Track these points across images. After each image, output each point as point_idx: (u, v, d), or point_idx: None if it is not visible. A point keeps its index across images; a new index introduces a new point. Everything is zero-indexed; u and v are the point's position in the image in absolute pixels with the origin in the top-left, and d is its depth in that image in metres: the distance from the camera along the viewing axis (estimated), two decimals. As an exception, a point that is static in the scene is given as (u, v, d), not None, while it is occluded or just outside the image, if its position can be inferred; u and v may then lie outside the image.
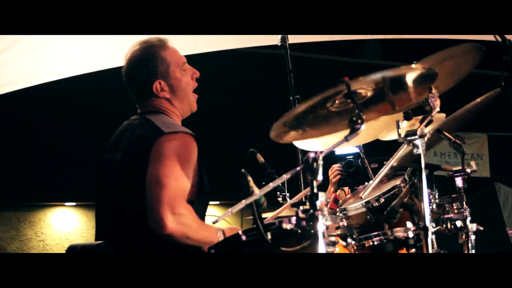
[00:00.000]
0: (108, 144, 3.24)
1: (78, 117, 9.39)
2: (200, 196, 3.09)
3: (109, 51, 4.87)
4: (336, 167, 3.90)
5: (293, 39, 4.02)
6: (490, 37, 2.93)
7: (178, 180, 2.94)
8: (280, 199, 3.14)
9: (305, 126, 2.78)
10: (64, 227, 10.79)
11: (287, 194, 3.09)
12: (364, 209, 3.08)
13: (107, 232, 3.12)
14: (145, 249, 2.99)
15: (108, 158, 3.18)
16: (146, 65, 3.19)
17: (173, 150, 2.97)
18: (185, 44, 4.42)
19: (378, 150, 3.35)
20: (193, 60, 3.57)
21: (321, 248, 2.37)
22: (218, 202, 10.82)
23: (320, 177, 2.42)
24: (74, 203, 10.81)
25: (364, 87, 2.66)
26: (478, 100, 3.06)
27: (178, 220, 2.90)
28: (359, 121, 2.58)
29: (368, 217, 3.07)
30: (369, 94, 2.64)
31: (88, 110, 9.44)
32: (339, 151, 3.86)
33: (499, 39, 2.83)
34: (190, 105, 3.31)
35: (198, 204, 3.11)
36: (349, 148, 3.82)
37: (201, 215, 3.17)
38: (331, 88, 2.54)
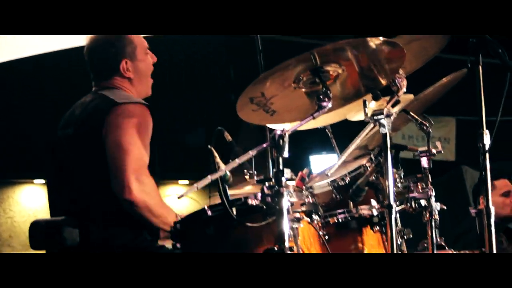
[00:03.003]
0: (61, 122, 3.26)
1: (47, 93, 9.30)
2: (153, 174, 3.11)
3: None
4: None
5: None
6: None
7: (140, 149, 2.99)
8: (247, 177, 3.15)
9: (274, 108, 2.81)
10: (32, 204, 10.78)
11: (255, 172, 3.10)
12: (330, 188, 3.08)
13: (66, 206, 3.12)
14: (107, 220, 3.02)
15: (60, 135, 3.21)
16: (115, 45, 3.24)
17: (131, 119, 3.01)
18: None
19: (346, 131, 3.37)
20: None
21: (286, 224, 2.40)
22: (187, 182, 10.83)
23: (286, 154, 2.46)
24: (42, 181, 10.63)
25: (332, 67, 2.71)
26: (445, 80, 3.10)
27: (143, 188, 2.93)
28: (326, 98, 2.61)
29: (334, 195, 3.07)
30: (339, 71, 2.68)
31: (56, 86, 9.36)
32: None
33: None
34: (147, 89, 3.36)
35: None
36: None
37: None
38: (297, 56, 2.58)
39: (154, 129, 3.16)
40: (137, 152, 2.97)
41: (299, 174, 3.04)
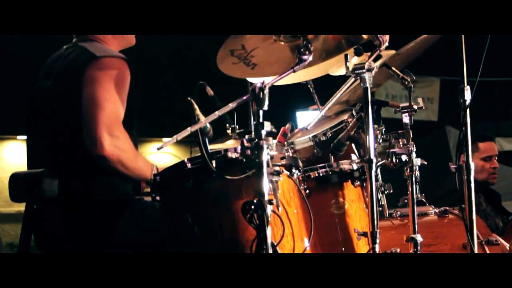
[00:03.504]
0: (40, 72, 3.25)
1: (30, 48, 9.22)
2: (131, 129, 3.11)
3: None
4: None
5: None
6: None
7: (115, 103, 2.97)
8: (229, 131, 3.15)
9: (255, 61, 2.81)
10: (15, 160, 10.87)
11: (236, 126, 3.10)
12: (311, 143, 3.10)
13: (42, 159, 3.13)
14: (86, 175, 3.03)
15: (39, 86, 3.19)
16: None
17: (108, 73, 2.99)
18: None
19: (327, 85, 3.37)
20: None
21: (265, 177, 2.41)
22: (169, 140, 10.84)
23: (265, 107, 2.46)
24: (25, 137, 10.72)
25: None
26: (426, 35, 3.09)
27: (115, 143, 2.93)
28: (307, 52, 2.61)
29: (315, 151, 3.10)
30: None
31: (40, 40, 9.28)
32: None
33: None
34: (131, 38, 3.34)
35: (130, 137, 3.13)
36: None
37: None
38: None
39: (138, 84, 3.14)
40: (111, 106, 2.95)
41: (282, 129, 3.05)
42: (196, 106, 2.65)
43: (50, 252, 3.03)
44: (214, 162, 2.57)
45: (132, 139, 3.11)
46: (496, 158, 5.55)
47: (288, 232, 2.62)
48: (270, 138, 2.48)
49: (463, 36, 2.95)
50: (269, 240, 2.37)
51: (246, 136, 2.52)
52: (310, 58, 2.63)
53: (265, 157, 2.43)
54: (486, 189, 5.58)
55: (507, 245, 4.46)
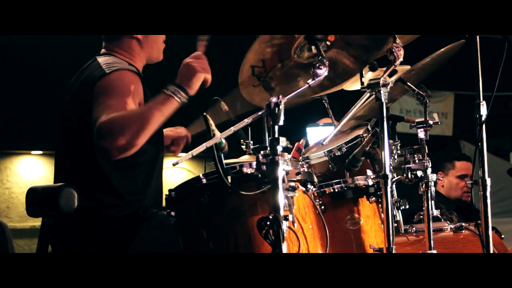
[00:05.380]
0: (66, 87, 3.26)
1: (44, 66, 9.30)
2: (153, 145, 3.07)
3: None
4: None
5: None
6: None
7: (119, 109, 2.84)
8: (243, 146, 3.16)
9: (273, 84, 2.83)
10: (30, 175, 10.89)
11: (251, 142, 3.11)
12: (326, 158, 3.11)
13: (62, 173, 3.16)
14: (99, 188, 3.02)
15: (62, 100, 3.21)
16: None
17: (115, 85, 2.93)
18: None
19: (342, 101, 3.37)
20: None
21: (281, 193, 2.41)
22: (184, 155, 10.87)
23: (281, 122, 2.46)
24: (40, 152, 10.87)
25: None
26: (442, 50, 3.11)
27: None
28: (322, 67, 2.62)
29: (330, 166, 3.11)
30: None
31: (55, 57, 9.36)
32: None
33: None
34: (158, 53, 3.31)
35: (148, 150, 3.07)
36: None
37: (153, 162, 3.18)
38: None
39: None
40: (114, 110, 2.82)
41: (296, 144, 3.07)
42: (211, 122, 2.67)
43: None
44: (229, 178, 2.58)
45: (151, 154, 3.11)
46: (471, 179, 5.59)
47: (304, 248, 2.62)
48: (286, 154, 2.48)
49: (478, 50, 2.95)
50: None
51: (262, 152, 2.53)
52: (326, 72, 2.64)
53: (280, 172, 2.42)
54: (461, 206, 5.56)
55: None
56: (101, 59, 3.12)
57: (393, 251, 2.66)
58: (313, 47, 2.73)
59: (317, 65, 2.64)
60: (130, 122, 2.76)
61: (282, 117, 2.46)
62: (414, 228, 3.57)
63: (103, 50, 3.25)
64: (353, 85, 3.25)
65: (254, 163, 2.58)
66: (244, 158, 3.16)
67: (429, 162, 3.03)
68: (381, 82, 2.74)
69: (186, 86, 2.84)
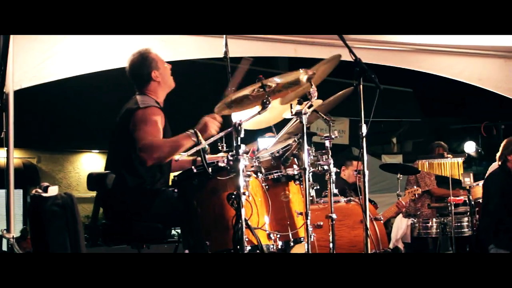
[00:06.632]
0: (118, 112, 3.23)
1: (106, 98, 8.77)
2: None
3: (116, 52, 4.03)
4: None
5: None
6: (346, 57, 2.86)
7: (148, 134, 2.92)
8: (220, 147, 3.20)
9: (234, 105, 2.86)
10: (91, 167, 11.12)
11: (224, 144, 3.15)
12: (270, 157, 3.09)
13: (109, 165, 3.13)
14: (130, 174, 2.99)
15: (115, 120, 3.18)
16: (146, 64, 3.21)
17: (145, 117, 2.96)
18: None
19: (283, 125, 3.42)
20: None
21: (241, 178, 2.44)
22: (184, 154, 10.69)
23: (242, 135, 2.50)
24: (98, 150, 11.20)
25: (272, 82, 2.80)
26: (341, 92, 3.15)
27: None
28: (267, 102, 2.70)
29: (272, 162, 3.08)
30: (273, 86, 2.78)
31: (112, 93, 8.95)
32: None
33: (353, 58, 2.83)
34: (171, 83, 3.29)
35: (165, 166, 3.09)
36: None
37: (167, 172, 3.16)
38: (253, 83, 2.67)
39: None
40: (147, 135, 2.92)
41: (251, 148, 3.11)
42: (200, 134, 2.74)
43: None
44: (210, 169, 2.60)
45: (167, 166, 3.08)
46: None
47: (255, 211, 2.62)
48: (245, 154, 2.52)
49: (361, 93, 2.86)
50: (243, 216, 2.40)
51: (230, 153, 2.55)
52: (270, 105, 2.68)
53: (241, 166, 2.47)
54: (355, 188, 5.55)
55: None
56: (138, 97, 3.12)
57: (309, 214, 2.63)
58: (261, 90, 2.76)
59: (265, 101, 2.67)
60: (164, 147, 2.87)
61: (242, 132, 2.50)
62: (322, 200, 3.58)
63: (136, 92, 3.23)
64: (288, 114, 3.29)
65: (225, 159, 2.57)
66: (220, 155, 3.13)
67: (331, 160, 3.01)
68: (303, 111, 2.78)
69: (200, 133, 2.90)
